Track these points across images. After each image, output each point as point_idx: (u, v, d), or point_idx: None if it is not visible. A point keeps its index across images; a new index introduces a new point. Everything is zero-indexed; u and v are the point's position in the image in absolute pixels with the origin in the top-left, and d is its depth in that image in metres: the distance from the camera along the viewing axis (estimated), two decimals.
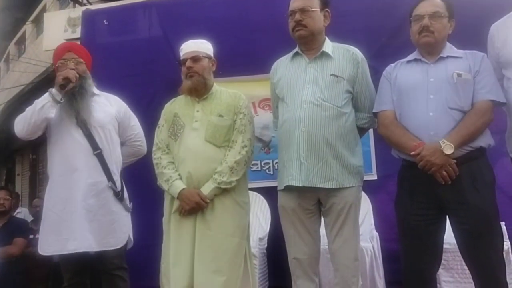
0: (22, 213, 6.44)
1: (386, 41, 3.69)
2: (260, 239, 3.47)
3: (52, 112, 2.46)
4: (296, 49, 2.42)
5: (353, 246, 2.29)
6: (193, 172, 2.33)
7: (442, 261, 2.61)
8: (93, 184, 2.49)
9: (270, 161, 3.87)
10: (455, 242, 2.14)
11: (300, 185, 2.22)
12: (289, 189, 2.28)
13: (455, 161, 2.00)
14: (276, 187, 2.44)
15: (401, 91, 2.20)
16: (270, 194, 3.44)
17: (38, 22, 12.30)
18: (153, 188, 2.57)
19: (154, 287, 2.64)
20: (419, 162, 2.02)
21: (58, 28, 7.89)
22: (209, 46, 2.51)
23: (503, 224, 2.72)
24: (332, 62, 2.32)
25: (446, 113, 2.07)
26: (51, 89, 2.47)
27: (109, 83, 2.94)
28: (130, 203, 2.67)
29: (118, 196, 2.56)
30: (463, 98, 2.08)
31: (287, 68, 2.41)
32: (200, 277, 2.26)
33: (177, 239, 2.35)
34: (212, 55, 2.50)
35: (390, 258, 3.15)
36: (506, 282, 2.07)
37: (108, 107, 2.68)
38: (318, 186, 2.22)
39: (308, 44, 2.36)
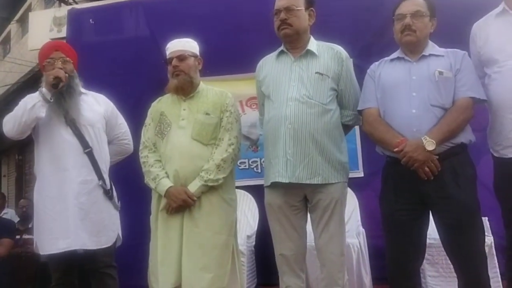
0: (9, 214, 6.37)
1: (371, 40, 3.74)
2: (248, 237, 3.49)
3: (43, 112, 2.44)
4: (282, 48, 2.44)
5: (339, 242, 2.31)
6: (180, 170, 2.34)
7: (427, 256, 2.67)
8: (84, 183, 2.49)
9: (258, 159, 3.90)
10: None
11: (287, 181, 2.24)
12: (275, 185, 2.30)
13: (437, 157, 2.04)
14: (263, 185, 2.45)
15: (385, 89, 2.23)
16: (258, 192, 3.45)
17: (23, 22, 12.13)
18: (141, 186, 2.57)
19: (142, 285, 2.64)
20: (402, 158, 2.06)
21: (43, 27, 7.80)
22: (195, 44, 2.52)
23: (486, 219, 2.79)
24: (317, 60, 2.35)
25: (428, 111, 2.11)
26: (41, 88, 2.46)
27: (96, 82, 2.92)
28: (118, 202, 2.67)
29: (108, 194, 2.57)
30: (444, 95, 2.12)
31: (272, 66, 2.43)
32: (187, 274, 2.27)
33: (164, 237, 2.36)
34: (198, 53, 2.51)
35: (377, 255, 3.18)
36: (488, 276, 2.11)
37: (96, 106, 2.67)
38: (304, 182, 2.24)
39: (293, 43, 2.38)
